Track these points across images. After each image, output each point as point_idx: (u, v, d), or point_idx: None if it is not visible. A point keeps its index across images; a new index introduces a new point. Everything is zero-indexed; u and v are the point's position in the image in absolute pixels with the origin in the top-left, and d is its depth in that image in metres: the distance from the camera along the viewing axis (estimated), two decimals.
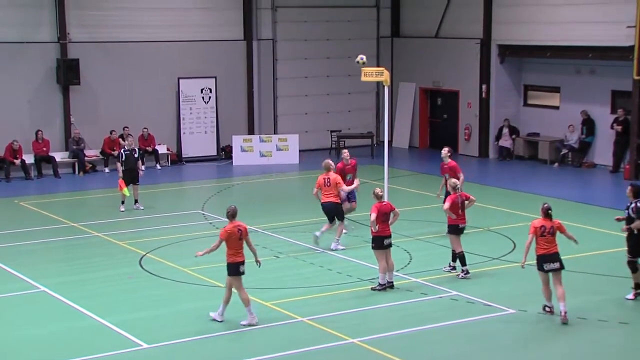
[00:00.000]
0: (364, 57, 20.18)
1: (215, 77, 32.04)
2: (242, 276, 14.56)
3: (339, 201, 19.32)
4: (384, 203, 16.52)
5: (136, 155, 23.69)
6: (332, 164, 19.63)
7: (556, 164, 29.95)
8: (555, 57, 30.04)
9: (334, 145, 33.18)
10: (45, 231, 21.52)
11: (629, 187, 16.00)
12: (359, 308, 15.53)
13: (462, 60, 32.61)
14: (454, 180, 17.64)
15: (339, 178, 19.35)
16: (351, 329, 14.41)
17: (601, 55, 28.37)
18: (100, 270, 18.14)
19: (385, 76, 19.49)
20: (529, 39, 30.51)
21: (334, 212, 19.24)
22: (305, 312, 15.24)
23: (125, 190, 23.19)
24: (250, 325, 14.48)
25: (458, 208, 17.04)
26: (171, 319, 15.18)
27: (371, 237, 16.46)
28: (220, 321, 14.71)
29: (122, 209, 23.45)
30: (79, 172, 29.58)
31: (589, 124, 29.50)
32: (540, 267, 14.85)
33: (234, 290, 14.57)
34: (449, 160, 20.11)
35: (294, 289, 16.54)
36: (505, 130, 31.42)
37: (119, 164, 23.64)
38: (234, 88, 32.76)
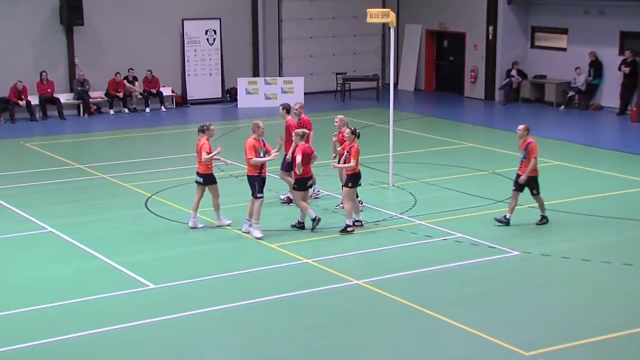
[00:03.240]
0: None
1: (220, 19, 31.87)
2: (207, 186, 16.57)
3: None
4: (307, 145, 16.60)
5: None
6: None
7: (562, 107, 29.89)
8: None
9: (339, 88, 33.10)
10: (51, 172, 21.58)
11: None
12: (363, 250, 15.66)
13: (469, 2, 32.37)
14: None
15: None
16: (356, 271, 14.54)
17: None
18: (107, 212, 18.23)
19: (391, 18, 19.36)
20: None
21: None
22: (310, 254, 15.37)
23: None
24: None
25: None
26: (178, 260, 15.32)
27: (294, 179, 16.55)
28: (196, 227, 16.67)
29: None
30: (83, 114, 29.59)
31: (596, 66, 29.36)
32: (355, 185, 16.35)
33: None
34: (303, 115, 18.27)
35: (299, 232, 16.62)
36: (513, 72, 31.28)
37: None
38: (239, 30, 32.58)
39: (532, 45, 31.91)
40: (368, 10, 19.81)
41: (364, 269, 14.70)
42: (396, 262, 15.13)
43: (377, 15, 19.69)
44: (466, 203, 18.34)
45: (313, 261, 15.02)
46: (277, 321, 12.67)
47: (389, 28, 19.98)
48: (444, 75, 34.63)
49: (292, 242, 16.02)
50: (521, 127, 16.61)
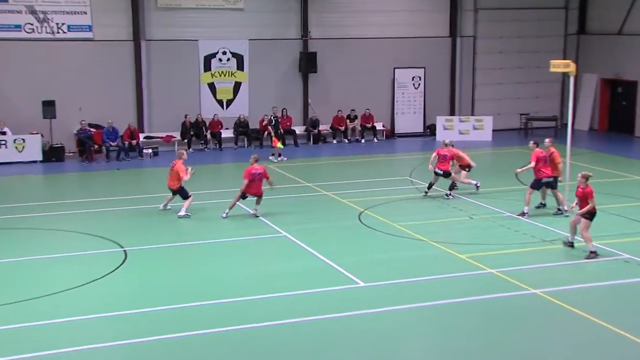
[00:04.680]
0: None
1: (425, 68, 31.75)
2: None
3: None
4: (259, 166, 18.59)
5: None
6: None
7: None
8: None
9: (522, 126, 32.11)
10: (286, 189, 21.75)
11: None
12: (541, 264, 14.99)
13: None
14: None
15: None
16: (534, 281, 13.93)
17: None
18: (329, 222, 18.35)
19: (571, 68, 18.58)
20: None
21: None
22: (494, 264, 14.89)
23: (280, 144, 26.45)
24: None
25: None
26: (385, 263, 15.18)
27: None
28: None
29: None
30: (314, 142, 30.16)
31: None
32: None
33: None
34: (255, 165, 18.69)
35: (484, 245, 16.17)
36: None
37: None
38: (440, 77, 32.34)
39: None
40: (551, 61, 19.09)
41: (541, 280, 13.98)
42: (570, 275, 14.36)
43: (559, 66, 18.94)
44: (633, 228, 17.23)
45: (496, 271, 14.54)
46: (464, 319, 12.33)
47: (568, 76, 19.15)
48: (617, 116, 32.86)
49: (478, 253, 15.57)
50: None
